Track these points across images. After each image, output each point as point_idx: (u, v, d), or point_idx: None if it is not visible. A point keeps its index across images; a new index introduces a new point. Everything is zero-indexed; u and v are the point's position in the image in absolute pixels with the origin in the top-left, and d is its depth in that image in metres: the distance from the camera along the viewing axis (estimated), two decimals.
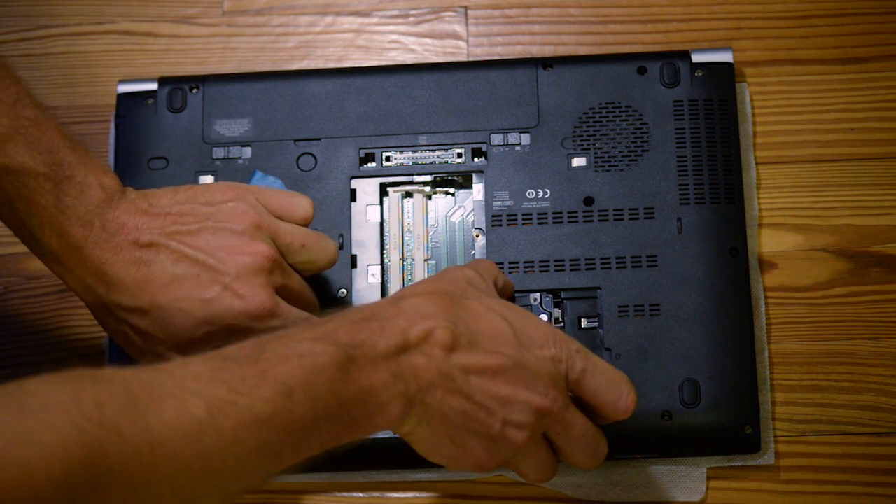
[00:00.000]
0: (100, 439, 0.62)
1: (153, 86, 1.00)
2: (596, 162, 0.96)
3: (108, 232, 0.85)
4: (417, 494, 0.93)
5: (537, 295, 0.94)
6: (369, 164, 0.98)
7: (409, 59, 1.04)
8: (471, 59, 1.04)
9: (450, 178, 0.98)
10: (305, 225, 0.89)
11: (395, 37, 1.05)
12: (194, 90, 1.00)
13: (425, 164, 0.98)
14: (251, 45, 1.05)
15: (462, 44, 1.04)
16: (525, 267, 0.94)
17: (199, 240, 0.85)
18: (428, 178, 0.98)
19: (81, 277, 0.85)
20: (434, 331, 0.77)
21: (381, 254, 0.96)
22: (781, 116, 1.00)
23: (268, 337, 0.73)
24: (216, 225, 0.86)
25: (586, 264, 0.94)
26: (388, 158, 0.98)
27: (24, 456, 0.59)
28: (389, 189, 0.98)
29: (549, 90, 0.98)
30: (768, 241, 0.97)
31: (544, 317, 0.93)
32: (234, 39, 1.05)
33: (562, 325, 0.93)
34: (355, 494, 0.93)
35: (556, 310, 0.94)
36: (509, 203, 0.96)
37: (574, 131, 0.97)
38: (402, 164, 0.98)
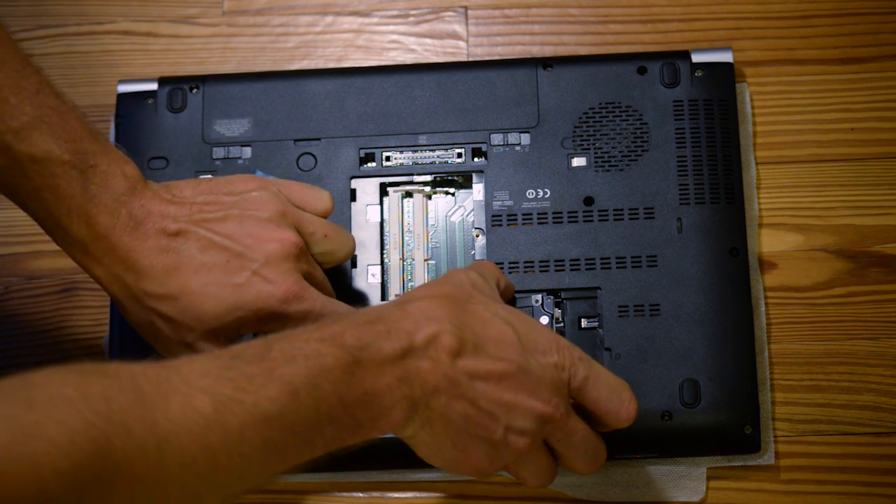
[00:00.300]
0: (107, 434, 0.61)
1: (153, 86, 1.00)
2: (596, 162, 0.96)
3: (134, 220, 0.85)
4: (417, 494, 0.93)
5: (539, 296, 0.94)
6: (369, 164, 0.98)
7: (409, 59, 1.04)
8: (471, 59, 1.04)
9: (450, 178, 0.98)
10: (324, 217, 0.90)
11: (395, 37, 1.05)
12: (194, 90, 1.00)
13: (425, 164, 0.98)
14: (251, 45, 1.05)
15: (462, 44, 1.04)
16: (525, 267, 0.94)
17: (225, 227, 0.86)
18: (428, 178, 0.98)
19: (109, 267, 0.85)
20: (440, 335, 0.77)
21: (381, 254, 0.96)
22: (781, 116, 1.00)
23: (275, 336, 0.73)
24: (242, 213, 0.86)
25: (586, 264, 0.94)
26: (388, 158, 0.98)
27: (30, 450, 0.59)
28: (389, 189, 0.98)
29: (549, 90, 0.98)
30: (768, 241, 0.97)
31: (545, 318, 0.93)
32: (234, 39, 1.05)
33: (562, 325, 0.93)
34: (355, 494, 0.93)
35: (556, 310, 0.94)
36: (509, 203, 0.96)
37: (574, 131, 0.97)
38: (402, 164, 0.98)
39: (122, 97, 1.00)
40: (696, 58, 0.98)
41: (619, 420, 0.83)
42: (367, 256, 0.96)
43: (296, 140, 0.98)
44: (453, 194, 0.98)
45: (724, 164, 0.95)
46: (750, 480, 0.92)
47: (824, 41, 1.02)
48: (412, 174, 0.98)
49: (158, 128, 0.99)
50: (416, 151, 0.98)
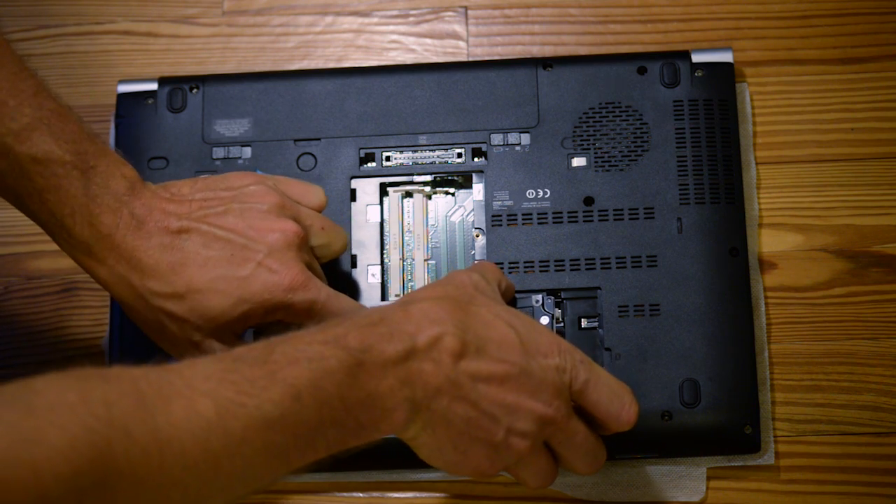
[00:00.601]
0: (108, 439, 0.61)
1: (153, 86, 1.00)
2: (596, 162, 0.96)
3: (137, 220, 0.85)
4: (417, 494, 0.93)
5: (539, 297, 0.94)
6: (369, 164, 0.98)
7: (409, 59, 1.04)
8: (471, 59, 1.04)
9: (450, 178, 0.98)
10: (318, 212, 0.90)
11: (395, 37, 1.05)
12: (194, 90, 1.00)
13: (425, 164, 0.98)
14: (251, 45, 1.05)
15: (462, 44, 1.04)
16: (525, 267, 0.94)
17: (227, 221, 0.86)
18: (428, 178, 0.98)
19: (114, 267, 0.85)
20: (443, 337, 0.77)
21: (381, 254, 0.96)
22: (781, 116, 1.00)
23: (277, 339, 0.73)
24: (242, 206, 0.87)
25: (586, 264, 0.94)
26: (388, 158, 0.98)
27: (31, 456, 0.59)
28: (389, 189, 0.98)
29: (549, 90, 0.98)
30: (768, 241, 0.97)
31: (546, 319, 0.93)
32: (234, 39, 1.05)
33: (562, 325, 0.93)
34: (355, 494, 0.93)
35: (556, 310, 0.94)
36: (509, 203, 0.96)
37: (574, 131, 0.97)
38: (402, 164, 0.98)
39: (122, 97, 1.00)
40: (696, 58, 0.98)
41: (619, 423, 0.83)
42: (367, 256, 0.96)
43: (296, 140, 0.98)
44: (453, 194, 0.98)
45: (724, 164, 0.95)
46: (750, 480, 0.92)
47: (824, 41, 1.02)
48: (412, 174, 0.98)
49: (158, 128, 0.99)
50: (416, 151, 0.98)
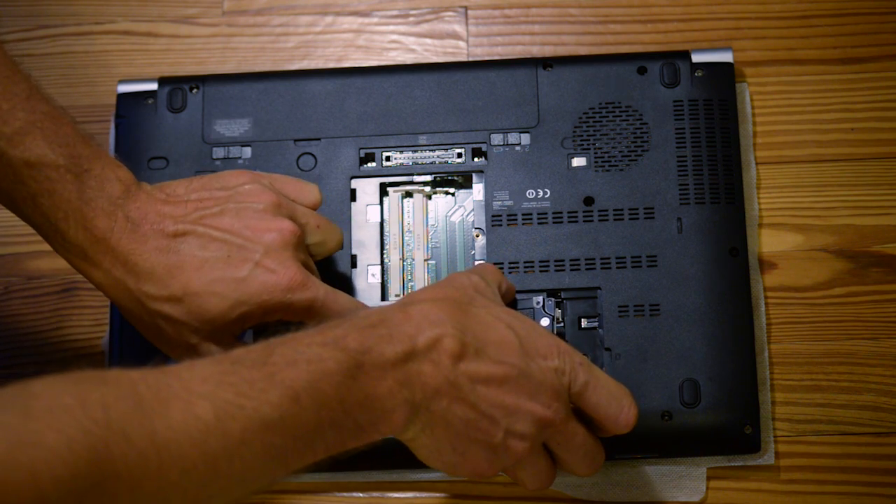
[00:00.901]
0: (106, 442, 0.61)
1: (153, 86, 1.00)
2: (596, 162, 0.96)
3: (132, 223, 0.85)
4: (417, 494, 0.93)
5: (540, 298, 0.94)
6: (369, 164, 0.98)
7: (409, 59, 1.04)
8: (471, 59, 1.04)
9: (450, 178, 0.98)
10: (314, 210, 0.90)
11: (395, 37, 1.05)
12: (194, 90, 1.00)
13: (425, 164, 0.98)
14: (251, 45, 1.05)
15: (462, 44, 1.04)
16: (525, 267, 0.94)
17: (223, 221, 0.86)
18: (428, 178, 0.98)
19: (109, 271, 0.85)
20: (442, 338, 0.77)
21: (381, 254, 0.96)
22: (781, 116, 1.00)
23: (276, 340, 0.73)
24: (238, 206, 0.86)
25: (586, 264, 0.94)
26: (388, 158, 0.98)
27: (29, 459, 0.59)
28: (389, 189, 0.98)
29: (549, 90, 0.98)
30: (768, 241, 0.97)
31: (546, 320, 0.93)
32: (234, 39, 1.05)
33: (562, 325, 0.93)
34: (355, 494, 0.93)
35: (556, 310, 0.94)
36: (509, 203, 0.96)
37: (574, 131, 0.97)
38: (402, 164, 0.98)
39: (122, 97, 1.00)
40: (696, 58, 0.98)
41: (618, 426, 0.83)
42: (367, 256, 0.96)
43: (296, 140, 0.98)
44: (453, 194, 0.98)
45: (724, 164, 0.95)
46: (750, 480, 0.92)
47: (824, 41, 1.02)
48: (412, 174, 0.98)
49: (158, 128, 0.99)
50: (416, 151, 0.98)
